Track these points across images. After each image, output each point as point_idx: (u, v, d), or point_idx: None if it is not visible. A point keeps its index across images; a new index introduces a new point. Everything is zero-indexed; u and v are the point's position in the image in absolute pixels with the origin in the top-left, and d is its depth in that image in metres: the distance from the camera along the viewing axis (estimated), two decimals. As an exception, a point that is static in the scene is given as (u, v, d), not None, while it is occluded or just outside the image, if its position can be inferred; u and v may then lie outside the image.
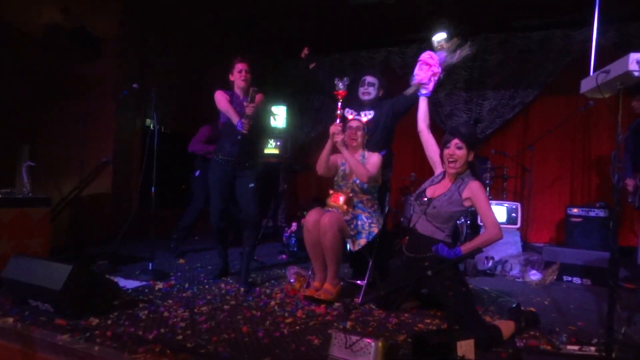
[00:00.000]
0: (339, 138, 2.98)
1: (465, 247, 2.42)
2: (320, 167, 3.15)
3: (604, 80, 2.09)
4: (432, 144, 2.78)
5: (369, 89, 3.46)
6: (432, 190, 2.61)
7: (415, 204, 2.65)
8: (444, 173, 2.64)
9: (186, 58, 6.21)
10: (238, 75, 3.35)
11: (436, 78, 2.78)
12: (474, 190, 2.44)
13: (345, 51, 6.94)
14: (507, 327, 2.34)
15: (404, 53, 6.51)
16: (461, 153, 2.47)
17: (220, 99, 3.33)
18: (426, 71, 2.77)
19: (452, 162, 2.50)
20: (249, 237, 3.36)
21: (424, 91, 2.83)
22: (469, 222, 4.56)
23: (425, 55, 2.80)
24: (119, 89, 4.96)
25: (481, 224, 4.40)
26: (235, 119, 3.19)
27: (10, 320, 2.35)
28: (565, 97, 5.73)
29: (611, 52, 4.99)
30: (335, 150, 3.08)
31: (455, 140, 2.48)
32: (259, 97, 3.26)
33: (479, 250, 2.45)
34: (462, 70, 6.13)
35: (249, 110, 3.12)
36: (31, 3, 4.96)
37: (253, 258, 3.44)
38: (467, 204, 2.48)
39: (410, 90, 2.86)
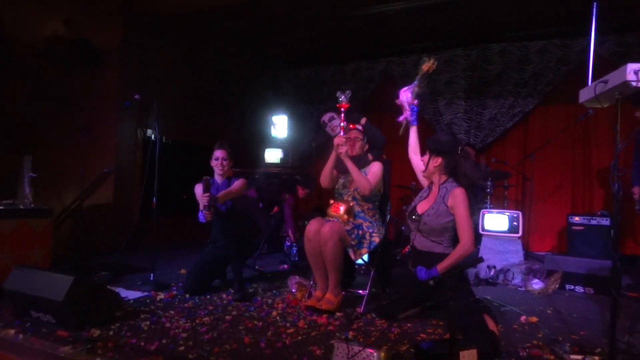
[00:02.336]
0: (343, 149, 3.02)
1: (441, 266, 2.47)
2: (325, 179, 3.19)
3: (602, 90, 2.11)
4: (421, 166, 2.85)
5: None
6: (422, 206, 2.68)
7: (409, 221, 2.72)
8: (430, 187, 2.73)
9: (187, 69, 6.27)
10: (215, 162, 3.47)
11: (409, 106, 2.93)
12: (456, 198, 2.50)
13: (345, 61, 6.99)
14: (495, 327, 2.39)
15: (404, 63, 6.57)
16: (425, 158, 2.65)
17: (197, 193, 3.39)
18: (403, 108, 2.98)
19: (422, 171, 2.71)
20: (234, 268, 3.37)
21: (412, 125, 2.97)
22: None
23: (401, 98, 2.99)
24: (120, 100, 5.00)
25: (482, 232, 4.40)
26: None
27: (12, 331, 2.35)
28: (565, 105, 5.75)
29: (610, 61, 5.03)
30: (339, 162, 3.12)
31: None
32: (234, 186, 3.37)
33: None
34: (462, 80, 6.17)
35: (204, 200, 3.12)
36: (33, 15, 5.02)
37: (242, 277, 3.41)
38: (454, 212, 2.53)
39: (401, 131, 3.01)
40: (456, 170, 2.60)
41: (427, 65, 2.83)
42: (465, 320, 2.23)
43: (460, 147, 2.67)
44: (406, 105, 2.93)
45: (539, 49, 5.75)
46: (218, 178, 3.53)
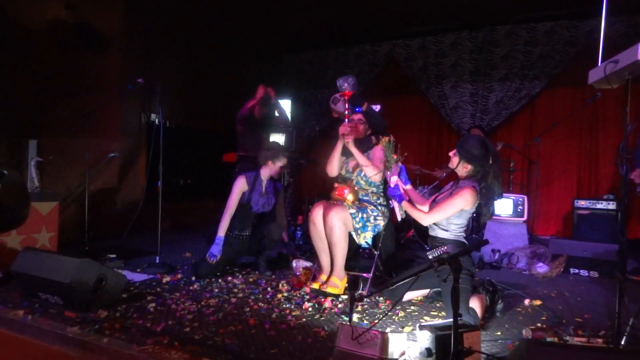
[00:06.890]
0: (349, 138, 3.00)
1: (406, 203, 2.67)
2: (332, 168, 3.21)
3: (612, 71, 2.07)
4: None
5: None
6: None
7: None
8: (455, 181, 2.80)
9: (191, 53, 6.21)
10: (278, 169, 3.56)
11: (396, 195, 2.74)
12: (459, 191, 2.56)
13: (349, 45, 6.91)
14: (480, 305, 2.45)
15: (408, 45, 6.48)
16: (454, 160, 2.71)
17: (234, 191, 3.44)
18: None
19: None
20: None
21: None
22: (474, 215, 4.55)
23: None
24: (124, 84, 4.97)
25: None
26: (220, 231, 3.35)
27: (21, 312, 2.38)
28: (572, 88, 5.67)
29: (618, 44, 4.93)
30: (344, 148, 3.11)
31: (454, 150, 2.72)
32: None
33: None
34: (467, 62, 6.08)
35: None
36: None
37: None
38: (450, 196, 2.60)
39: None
40: (486, 177, 2.62)
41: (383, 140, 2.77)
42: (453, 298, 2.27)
43: (492, 155, 2.63)
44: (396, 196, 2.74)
45: (547, 31, 5.64)
46: (265, 177, 3.59)
